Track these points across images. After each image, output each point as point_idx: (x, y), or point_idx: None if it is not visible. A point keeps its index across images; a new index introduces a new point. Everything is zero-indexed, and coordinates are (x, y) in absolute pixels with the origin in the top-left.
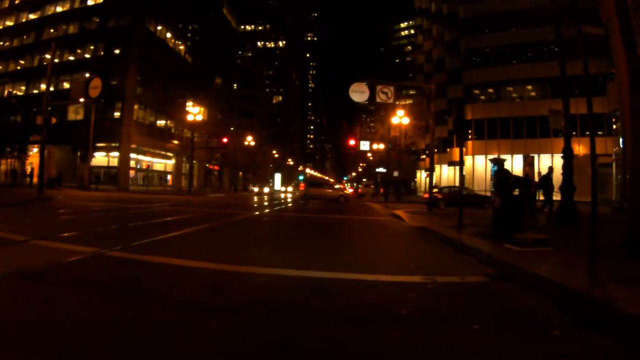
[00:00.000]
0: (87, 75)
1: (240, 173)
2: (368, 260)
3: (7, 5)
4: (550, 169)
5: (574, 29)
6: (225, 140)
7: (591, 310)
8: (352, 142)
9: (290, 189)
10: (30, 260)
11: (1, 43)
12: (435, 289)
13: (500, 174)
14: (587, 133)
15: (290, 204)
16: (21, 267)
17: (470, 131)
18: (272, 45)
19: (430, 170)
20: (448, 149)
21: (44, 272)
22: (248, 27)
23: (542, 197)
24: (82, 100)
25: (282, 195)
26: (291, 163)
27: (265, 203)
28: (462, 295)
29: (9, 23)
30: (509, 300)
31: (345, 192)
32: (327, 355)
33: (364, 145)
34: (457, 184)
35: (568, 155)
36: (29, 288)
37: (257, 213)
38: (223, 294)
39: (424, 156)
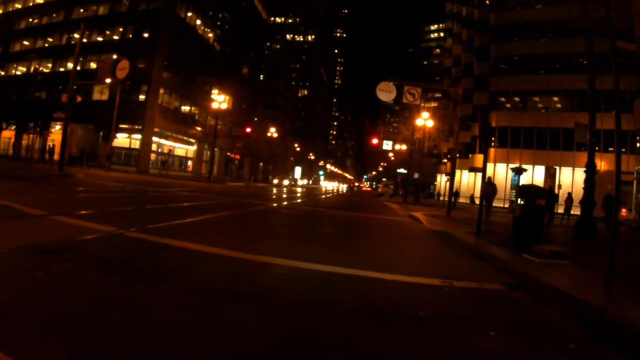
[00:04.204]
0: (115, 56)
1: (261, 164)
2: (387, 259)
3: None
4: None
5: (604, 44)
6: (248, 130)
7: (607, 327)
8: (375, 141)
9: (309, 182)
10: (47, 235)
11: (30, 20)
12: (452, 293)
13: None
14: (610, 149)
15: (309, 198)
16: (39, 241)
17: (493, 139)
18: (301, 39)
19: (451, 174)
20: (470, 155)
21: (61, 247)
22: (278, 19)
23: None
24: (108, 80)
25: (301, 190)
26: (312, 157)
27: (284, 195)
28: (479, 301)
29: (40, 0)
30: (526, 310)
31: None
32: (343, 350)
33: (387, 145)
34: (477, 189)
35: (591, 170)
36: (46, 263)
37: (275, 205)
38: (241, 283)
39: (445, 160)
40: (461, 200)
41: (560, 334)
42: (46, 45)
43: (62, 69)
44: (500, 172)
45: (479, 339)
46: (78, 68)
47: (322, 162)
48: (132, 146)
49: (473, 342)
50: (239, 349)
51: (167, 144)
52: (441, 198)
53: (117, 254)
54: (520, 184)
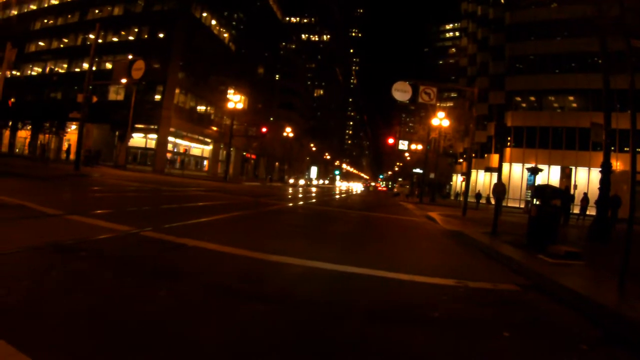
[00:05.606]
0: (130, 57)
1: (277, 164)
2: (402, 259)
3: None
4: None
5: (619, 42)
6: (264, 129)
7: (620, 328)
8: (390, 141)
9: (325, 182)
10: (63, 234)
11: (45, 21)
12: (467, 293)
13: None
14: (625, 149)
15: (324, 198)
16: (54, 241)
17: (509, 138)
18: (317, 39)
19: (467, 174)
20: (486, 155)
21: (77, 247)
22: (293, 19)
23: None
24: (124, 81)
25: (317, 189)
26: (328, 157)
27: (300, 195)
28: (493, 302)
29: (54, 1)
30: (540, 311)
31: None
32: (357, 350)
33: (403, 145)
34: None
35: (606, 170)
36: (62, 262)
37: (290, 204)
38: (256, 282)
39: (461, 160)
40: (481, 200)
41: (574, 335)
42: (61, 45)
43: (77, 69)
44: (516, 172)
45: (493, 340)
46: (94, 68)
47: (337, 161)
48: (148, 146)
49: (487, 342)
50: (254, 347)
51: (183, 143)
52: (459, 198)
53: (133, 253)
54: (536, 184)
